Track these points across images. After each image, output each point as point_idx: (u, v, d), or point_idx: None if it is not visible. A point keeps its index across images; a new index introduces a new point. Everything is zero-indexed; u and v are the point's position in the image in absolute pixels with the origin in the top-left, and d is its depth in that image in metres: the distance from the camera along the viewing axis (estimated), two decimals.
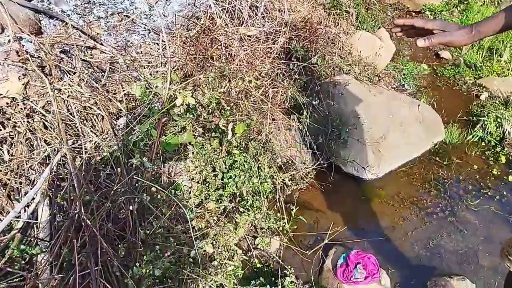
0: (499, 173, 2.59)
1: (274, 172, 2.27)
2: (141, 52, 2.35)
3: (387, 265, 2.07)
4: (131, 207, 1.50)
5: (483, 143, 2.83)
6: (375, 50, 3.20)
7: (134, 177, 1.61)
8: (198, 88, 1.63)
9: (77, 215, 1.37)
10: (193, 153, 2.00)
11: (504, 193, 2.45)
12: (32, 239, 1.40)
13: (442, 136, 2.80)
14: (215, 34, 2.05)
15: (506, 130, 2.80)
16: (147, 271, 1.29)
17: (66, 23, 2.17)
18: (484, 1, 4.63)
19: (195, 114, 1.77)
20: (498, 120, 2.90)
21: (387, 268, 2.05)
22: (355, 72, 2.99)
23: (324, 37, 3.10)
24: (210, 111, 1.77)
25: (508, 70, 3.55)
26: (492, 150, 2.77)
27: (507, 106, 3.06)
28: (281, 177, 2.31)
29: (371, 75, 3.05)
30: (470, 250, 2.16)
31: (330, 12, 3.50)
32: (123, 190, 1.58)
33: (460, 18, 4.44)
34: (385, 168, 2.57)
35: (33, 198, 1.48)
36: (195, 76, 1.66)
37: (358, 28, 3.56)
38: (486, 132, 2.85)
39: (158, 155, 1.62)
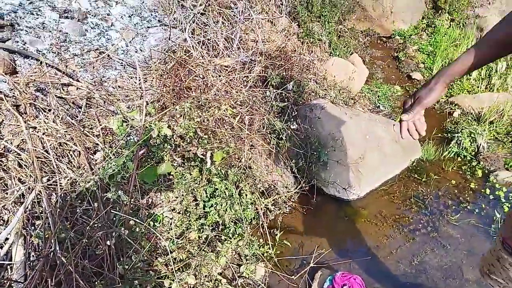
0: (476, 186, 2.65)
1: (257, 198, 2.28)
2: (118, 86, 2.38)
3: (373, 284, 2.06)
4: (108, 242, 1.47)
5: (459, 159, 2.91)
6: (349, 75, 3.31)
7: (112, 211, 1.60)
8: (174, 119, 1.65)
9: (52, 253, 1.34)
10: (173, 183, 2.00)
11: (483, 206, 2.50)
12: (5, 281, 1.35)
13: (419, 154, 2.87)
14: (190, 66, 2.09)
15: (480, 144, 2.89)
16: None
17: (41, 62, 2.19)
18: (450, 24, 4.88)
19: (173, 145, 1.78)
20: (472, 135, 2.99)
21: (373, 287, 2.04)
22: (331, 96, 3.08)
23: (299, 64, 3.20)
24: (188, 141, 1.78)
25: (478, 87, 3.71)
26: (468, 164, 2.84)
27: (479, 121, 3.18)
28: (263, 203, 2.32)
29: (346, 98, 3.15)
30: (454, 264, 2.17)
31: (304, 41, 3.64)
32: (100, 225, 1.55)
33: (429, 40, 4.65)
34: (365, 188, 2.60)
35: (7, 239, 1.44)
36: (170, 108, 1.68)
37: (332, 54, 3.69)
38: (461, 147, 2.94)
39: (136, 187, 1.61)
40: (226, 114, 1.75)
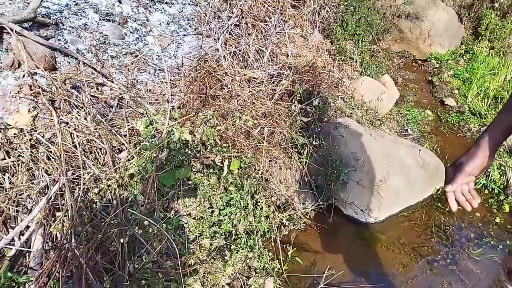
0: (502, 221, 2.53)
1: (272, 212, 2.27)
2: (149, 90, 2.47)
3: None
4: (122, 240, 1.52)
5: (486, 191, 2.79)
6: (378, 95, 3.27)
7: (129, 210, 1.64)
8: (197, 125, 1.69)
9: (67, 245, 1.39)
10: (191, 188, 2.03)
11: (508, 242, 2.38)
12: (22, 267, 1.41)
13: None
14: (219, 75, 2.14)
15: (510, 178, 2.76)
16: None
17: (79, 61, 2.31)
18: (489, 52, 4.73)
19: (193, 150, 1.82)
20: (502, 168, 2.87)
21: None
22: (357, 115, 3.05)
23: (328, 81, 3.20)
24: (207, 148, 1.82)
25: None
26: (496, 198, 2.72)
27: (511, 154, 3.04)
28: (278, 217, 2.31)
29: (373, 118, 3.10)
30: None
31: (335, 58, 3.63)
32: (116, 222, 1.60)
33: (466, 66, 4.53)
34: (385, 212, 2.54)
35: (28, 227, 1.51)
36: (191, 114, 1.73)
37: (362, 74, 3.66)
38: (489, 179, 2.82)
39: (154, 189, 1.66)
40: (247, 125, 1.78)
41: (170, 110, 1.60)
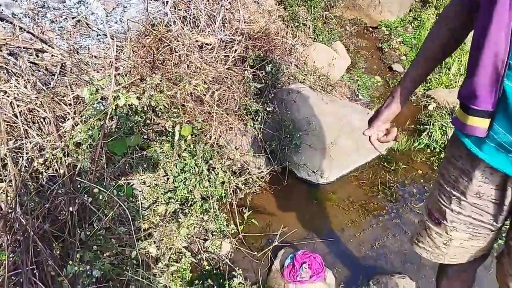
0: None
1: (228, 177, 2.31)
2: (94, 56, 2.35)
3: (334, 264, 2.14)
4: (71, 208, 1.49)
5: (428, 150, 2.99)
6: (330, 62, 3.34)
7: (77, 178, 1.61)
8: (146, 90, 1.66)
9: (12, 214, 1.35)
10: (143, 156, 2.01)
11: None
12: None
13: (391, 143, 2.94)
14: (168, 40, 2.08)
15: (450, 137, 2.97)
16: (82, 270, 1.28)
17: (15, 26, 2.15)
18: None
19: (143, 117, 1.79)
20: (443, 128, 3.08)
21: (333, 267, 2.12)
22: (310, 82, 3.11)
23: (281, 47, 3.21)
24: (158, 114, 1.79)
25: (455, 82, 3.79)
26: (437, 156, 2.93)
27: (452, 115, 3.26)
28: (234, 181, 2.36)
29: (325, 84, 3.18)
30: (413, 250, 2.26)
31: (288, 25, 3.63)
32: (64, 191, 1.57)
33: (414, 33, 4.70)
34: (336, 173, 2.67)
35: None
36: (139, 79, 1.68)
37: (315, 40, 3.70)
38: (431, 139, 3.02)
39: (103, 157, 1.62)
40: (197, 90, 1.77)
41: (115, 75, 1.55)
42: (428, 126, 3.08)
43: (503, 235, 1.16)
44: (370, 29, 4.86)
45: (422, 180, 2.72)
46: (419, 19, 4.86)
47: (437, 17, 1.12)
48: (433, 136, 3.03)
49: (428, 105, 3.44)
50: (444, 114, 3.30)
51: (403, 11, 4.97)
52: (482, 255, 1.20)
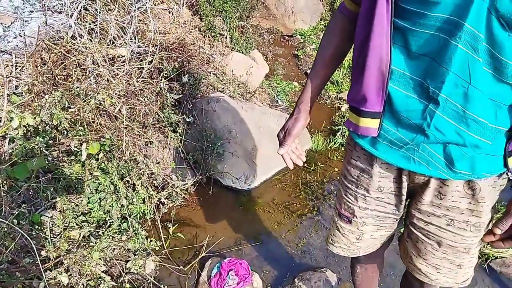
0: None
1: (148, 192, 2.25)
2: None
3: (261, 268, 2.18)
4: None
5: (342, 149, 3.21)
6: (248, 70, 3.42)
7: None
8: (46, 108, 1.54)
9: None
10: (50, 179, 1.87)
11: None
12: None
13: (309, 145, 3.09)
14: (71, 54, 1.97)
15: None
16: None
17: None
18: None
19: (45, 137, 1.67)
20: None
21: (260, 270, 2.16)
22: (229, 90, 3.15)
23: (198, 58, 3.22)
24: (63, 133, 1.68)
25: None
26: None
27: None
28: (156, 196, 2.30)
29: (244, 92, 3.25)
30: None
31: (205, 35, 3.66)
32: None
33: None
34: (260, 178, 2.73)
35: None
36: (37, 96, 1.57)
37: (233, 49, 3.77)
38: (345, 139, 3.24)
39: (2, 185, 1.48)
40: (104, 105, 1.69)
41: (8, 95, 1.42)
42: (341, 126, 3.30)
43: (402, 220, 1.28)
44: (286, 37, 5.09)
45: (338, 177, 2.90)
46: None
47: (326, 26, 1.17)
48: (346, 136, 3.25)
49: (341, 106, 3.69)
50: (348, 112, 3.56)
51: (314, 20, 5.29)
52: (389, 238, 1.30)
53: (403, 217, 1.24)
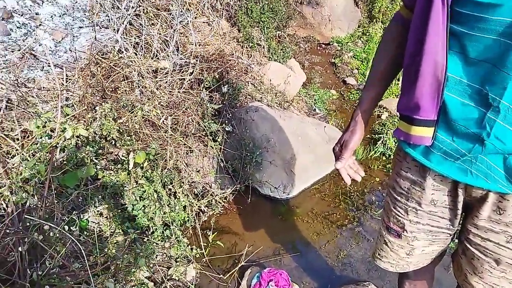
0: None
1: (189, 200, 2.29)
2: (43, 87, 2.29)
3: (301, 279, 2.15)
4: (20, 249, 1.42)
5: (383, 158, 3.11)
6: (285, 79, 3.43)
7: (26, 216, 1.54)
8: (96, 120, 1.63)
9: None
10: (98, 186, 1.96)
11: None
12: None
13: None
14: (120, 67, 2.07)
15: None
16: None
17: None
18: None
19: (95, 147, 1.75)
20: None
21: (300, 282, 2.12)
22: (267, 99, 3.17)
23: (237, 68, 3.27)
24: (111, 142, 1.76)
25: None
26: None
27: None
28: (196, 204, 2.34)
29: (281, 101, 3.25)
30: None
31: (243, 45, 3.71)
32: (13, 231, 1.49)
33: (363, 48, 4.93)
34: (298, 187, 2.71)
35: None
36: (89, 108, 1.66)
37: (270, 59, 3.80)
38: (386, 147, 3.15)
39: (52, 191, 1.57)
40: (150, 115, 1.76)
41: (61, 107, 1.51)
42: (382, 135, 3.21)
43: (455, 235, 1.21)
44: (323, 45, 5.06)
45: (380, 188, 2.82)
46: (367, 34, 5.12)
47: (381, 36, 1.14)
48: (387, 144, 3.16)
49: (381, 114, 3.59)
50: (396, 122, 3.46)
51: (352, 27, 5.22)
52: (441, 253, 1.24)
53: (458, 231, 1.17)
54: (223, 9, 3.79)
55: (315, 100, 3.79)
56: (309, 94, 3.84)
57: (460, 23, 0.79)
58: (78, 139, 1.55)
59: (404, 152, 1.03)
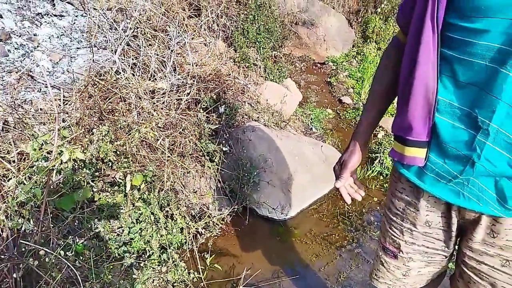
0: None
1: (186, 222, 2.26)
2: (40, 109, 2.28)
3: None
4: (14, 275, 1.39)
5: (381, 177, 3.11)
6: (282, 98, 3.45)
7: (21, 241, 1.51)
8: (93, 142, 1.61)
9: None
10: (95, 209, 1.93)
11: None
12: None
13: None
14: (117, 88, 2.07)
15: None
16: None
17: None
18: (377, 53, 5.30)
19: (91, 169, 1.73)
20: None
21: None
22: (264, 119, 3.18)
23: (233, 88, 3.29)
24: (108, 164, 1.74)
25: None
26: None
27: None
28: (194, 226, 2.31)
29: (278, 120, 3.27)
30: None
31: (240, 65, 3.75)
32: (8, 256, 1.46)
33: (358, 67, 5.00)
34: (296, 208, 2.69)
35: None
36: (86, 131, 1.65)
37: (266, 79, 3.84)
38: (383, 166, 3.15)
39: (48, 215, 1.54)
40: (148, 137, 1.75)
41: (58, 129, 1.50)
42: (379, 154, 3.22)
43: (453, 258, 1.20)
44: (318, 64, 5.12)
45: (378, 207, 2.81)
46: (361, 53, 5.20)
47: (380, 59, 1.17)
48: (384, 163, 3.16)
49: (378, 133, 3.61)
50: (393, 141, 3.48)
51: (347, 47, 5.31)
52: (440, 274, 1.23)
53: (455, 253, 1.17)
54: (219, 30, 3.84)
55: (311, 119, 3.81)
56: (305, 113, 3.86)
57: (451, 48, 0.82)
58: (75, 162, 1.54)
59: (399, 172, 1.04)
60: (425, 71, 0.84)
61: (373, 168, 3.13)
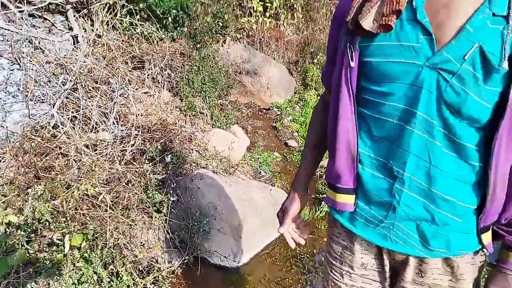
0: None
1: (133, 278, 2.14)
2: None
3: None
4: None
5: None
6: (229, 144, 3.51)
7: None
8: (28, 203, 1.52)
9: None
10: (31, 272, 1.77)
11: None
12: None
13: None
14: (54, 144, 2.00)
15: None
16: None
17: None
18: (317, 98, 5.64)
19: (27, 231, 1.61)
20: None
21: None
22: (212, 166, 3.20)
23: (180, 136, 3.30)
24: (45, 225, 1.64)
25: None
26: None
27: None
28: (141, 283, 2.19)
29: (227, 166, 3.30)
30: None
31: (186, 114, 3.79)
32: None
33: (301, 112, 5.27)
34: (248, 254, 2.66)
35: None
36: (19, 192, 1.55)
37: (214, 126, 3.90)
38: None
39: None
40: (88, 194, 1.68)
41: None
42: (326, 195, 3.33)
43: None
44: (264, 110, 5.32)
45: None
46: (303, 99, 5.51)
47: (311, 114, 1.27)
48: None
49: (323, 174, 3.76)
50: (326, 189, 3.63)
51: (289, 93, 5.60)
52: None
53: None
54: (164, 81, 3.90)
55: (260, 163, 3.89)
56: (254, 157, 3.93)
57: (366, 107, 0.93)
58: (8, 225, 1.43)
59: (334, 218, 1.11)
60: (346, 126, 0.94)
61: (321, 209, 3.22)
